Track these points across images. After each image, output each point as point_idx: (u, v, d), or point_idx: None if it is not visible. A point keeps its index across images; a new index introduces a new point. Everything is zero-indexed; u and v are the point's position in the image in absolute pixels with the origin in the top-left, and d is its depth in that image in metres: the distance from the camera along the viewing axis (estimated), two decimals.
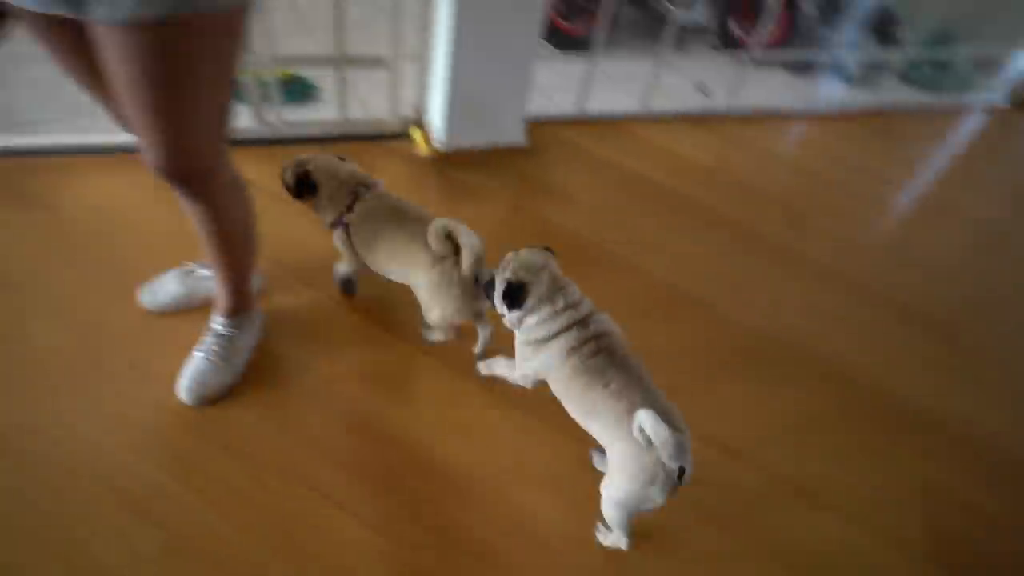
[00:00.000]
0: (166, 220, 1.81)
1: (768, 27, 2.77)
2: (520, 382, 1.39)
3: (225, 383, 1.44)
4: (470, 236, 1.36)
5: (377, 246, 1.49)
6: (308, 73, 2.50)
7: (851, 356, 1.85)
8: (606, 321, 1.30)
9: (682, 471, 1.12)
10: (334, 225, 1.54)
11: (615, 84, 2.70)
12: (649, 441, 1.10)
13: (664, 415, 1.12)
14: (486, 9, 1.87)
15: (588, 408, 1.25)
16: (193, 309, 1.57)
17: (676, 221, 2.23)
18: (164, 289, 1.58)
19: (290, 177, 1.53)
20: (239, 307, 1.45)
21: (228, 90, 1.06)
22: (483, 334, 1.59)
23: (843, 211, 2.51)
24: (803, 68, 3.44)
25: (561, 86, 2.59)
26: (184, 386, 1.40)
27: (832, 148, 2.90)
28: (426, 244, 1.40)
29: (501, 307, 1.30)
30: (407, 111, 2.28)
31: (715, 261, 2.10)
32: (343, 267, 1.64)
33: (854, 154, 2.89)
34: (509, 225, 2.07)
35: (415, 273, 1.45)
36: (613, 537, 1.31)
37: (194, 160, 1.09)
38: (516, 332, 1.34)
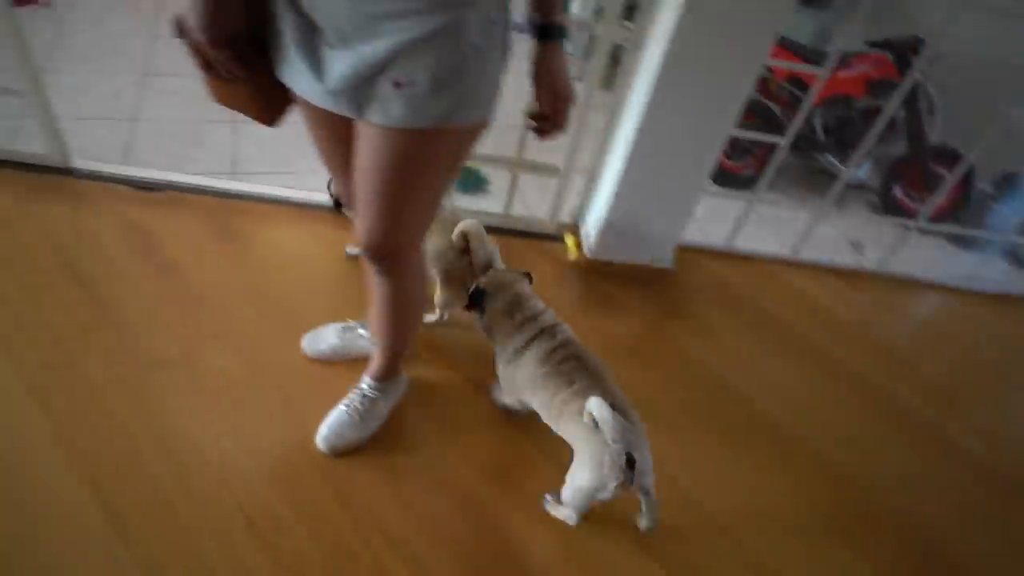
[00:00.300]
0: (339, 277, 2.02)
1: (937, 199, 2.71)
2: (510, 404, 1.63)
3: (358, 439, 1.54)
4: (478, 238, 1.64)
5: None
6: (484, 167, 2.73)
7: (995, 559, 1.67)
8: (568, 330, 1.51)
9: (632, 461, 1.24)
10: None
11: (767, 225, 2.72)
12: (596, 424, 1.24)
13: (619, 408, 1.28)
14: (665, 139, 1.99)
15: (557, 411, 1.40)
16: (347, 362, 1.71)
17: (810, 372, 2.16)
18: (324, 339, 1.73)
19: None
20: (389, 374, 1.57)
21: (448, 188, 1.20)
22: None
23: (997, 397, 2.32)
24: (967, 242, 3.30)
25: (714, 218, 2.65)
26: (323, 434, 1.52)
27: (989, 328, 2.72)
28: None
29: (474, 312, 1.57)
30: (565, 217, 2.41)
31: (845, 422, 2.01)
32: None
33: (1014, 337, 2.69)
34: (644, 342, 2.10)
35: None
36: (563, 512, 1.46)
37: (401, 244, 1.22)
38: (496, 360, 1.57)
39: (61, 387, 1.55)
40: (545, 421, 1.45)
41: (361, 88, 0.95)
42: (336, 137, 1.15)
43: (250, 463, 1.48)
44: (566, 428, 1.38)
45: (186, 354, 1.70)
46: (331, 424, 1.53)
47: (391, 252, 1.22)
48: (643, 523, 1.36)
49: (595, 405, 1.24)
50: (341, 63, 0.93)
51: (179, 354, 1.69)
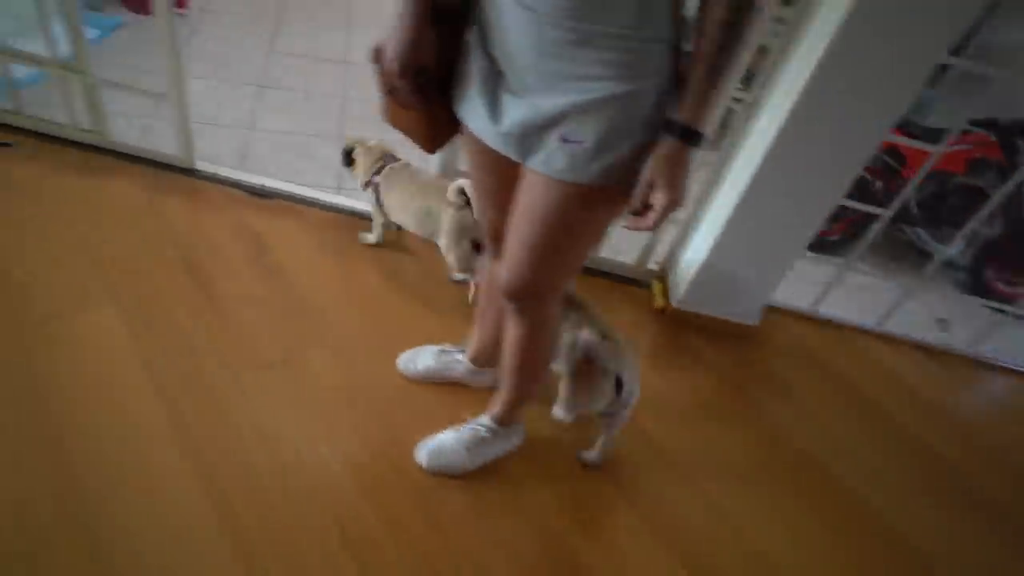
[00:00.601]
0: (437, 300, 2.08)
1: None
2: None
3: (460, 468, 1.57)
4: None
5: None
6: None
7: None
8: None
9: (620, 382, 1.46)
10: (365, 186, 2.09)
11: (853, 294, 2.69)
12: (586, 355, 1.44)
13: (608, 336, 1.46)
14: (772, 202, 2.00)
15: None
16: (443, 385, 1.77)
17: (892, 447, 2.11)
18: (421, 360, 1.79)
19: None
20: (508, 418, 1.58)
21: (598, 244, 1.20)
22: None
23: None
24: None
25: (799, 279, 2.63)
26: (428, 448, 1.56)
27: None
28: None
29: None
30: (654, 264, 2.44)
31: (927, 505, 1.94)
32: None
33: None
34: (723, 398, 2.09)
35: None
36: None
37: (541, 289, 1.24)
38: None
39: (177, 377, 1.64)
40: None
41: (531, 136, 1.00)
42: (497, 176, 1.19)
43: (344, 472, 1.54)
44: (560, 360, 1.54)
45: (289, 359, 1.78)
46: (439, 444, 1.57)
47: (530, 295, 1.24)
48: (591, 456, 1.67)
49: (583, 336, 1.46)
50: (517, 110, 0.99)
51: (283, 358, 1.77)
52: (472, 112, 1.06)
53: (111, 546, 1.30)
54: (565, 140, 0.97)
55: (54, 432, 1.46)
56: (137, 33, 3.01)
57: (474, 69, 1.01)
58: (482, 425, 1.58)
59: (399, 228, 2.16)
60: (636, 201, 0.99)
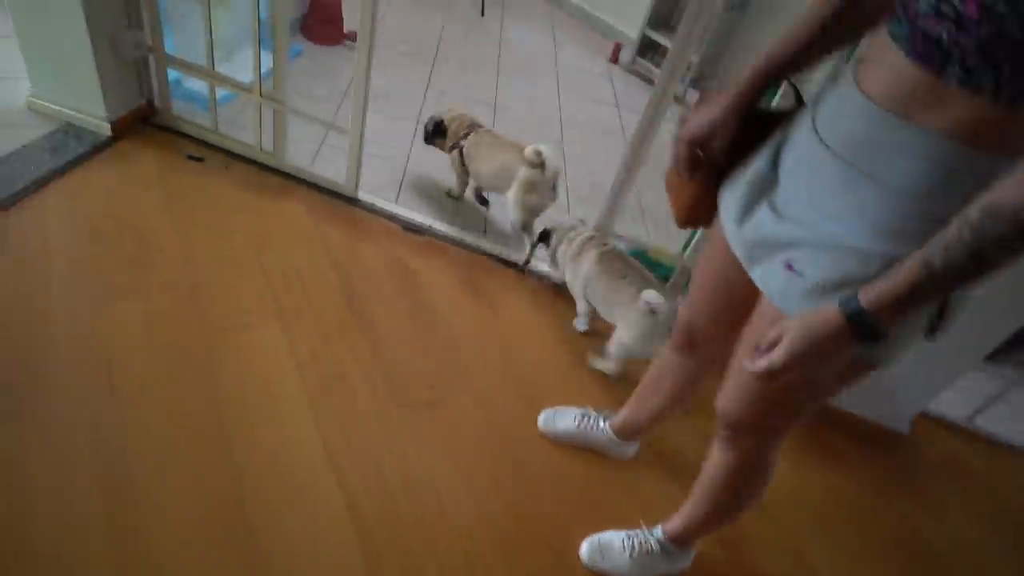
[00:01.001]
0: (582, 360, 2.07)
1: None
2: (582, 311, 2.13)
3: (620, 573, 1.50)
4: (554, 159, 2.23)
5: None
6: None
7: None
8: (610, 239, 2.10)
9: (669, 329, 1.60)
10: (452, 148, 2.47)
11: (1016, 409, 2.46)
12: (652, 310, 1.78)
13: (659, 291, 1.82)
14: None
15: (613, 299, 1.93)
16: (582, 450, 1.75)
17: None
18: (562, 421, 1.77)
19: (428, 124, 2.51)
20: (683, 542, 1.49)
21: (823, 399, 1.07)
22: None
23: None
24: None
25: (957, 389, 2.44)
26: (589, 547, 1.53)
27: None
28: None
29: (542, 249, 2.21)
30: None
31: None
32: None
33: None
34: (866, 504, 1.96)
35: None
36: (605, 364, 1.98)
37: (758, 429, 1.15)
38: (566, 275, 2.13)
39: (332, 404, 1.70)
40: (596, 308, 2.03)
41: (763, 248, 0.96)
42: (722, 275, 1.15)
43: (479, 524, 1.53)
44: (621, 312, 1.89)
45: (434, 400, 1.80)
46: (604, 543, 1.52)
47: (745, 429, 1.17)
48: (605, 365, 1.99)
49: (652, 296, 1.78)
50: (767, 222, 0.95)
51: (428, 399, 1.80)
52: (728, 204, 1.04)
53: (268, 560, 1.35)
54: (789, 266, 0.91)
55: (225, 446, 1.54)
56: (312, 61, 3.22)
57: (752, 169, 1.00)
58: (655, 538, 1.50)
59: (478, 192, 2.65)
60: (761, 337, 0.89)
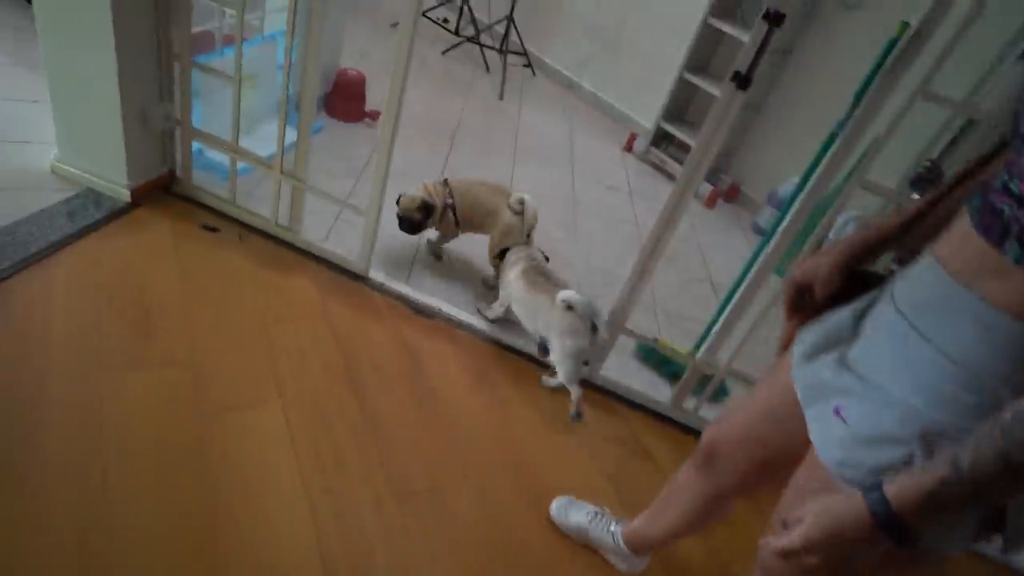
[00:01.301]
0: (591, 458, 2.01)
1: None
2: (499, 309, 2.36)
3: None
4: (530, 207, 2.43)
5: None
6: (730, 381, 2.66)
7: None
8: (538, 253, 2.36)
9: (595, 326, 2.03)
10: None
11: None
12: (568, 306, 2.02)
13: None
14: None
15: (533, 309, 2.18)
16: (588, 551, 1.68)
17: None
18: (575, 515, 1.72)
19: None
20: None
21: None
22: None
23: None
24: None
25: None
26: None
27: None
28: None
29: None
30: None
31: None
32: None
33: None
34: None
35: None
36: (557, 381, 2.15)
37: None
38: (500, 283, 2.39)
39: (327, 491, 1.64)
40: (523, 320, 2.25)
41: (820, 389, 0.94)
42: (771, 405, 1.13)
43: None
44: (543, 321, 2.12)
45: (433, 489, 1.74)
46: None
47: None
48: (571, 413, 2.09)
49: (568, 294, 2.03)
50: (829, 365, 0.94)
51: (427, 488, 1.74)
52: (803, 339, 1.04)
53: None
54: (837, 411, 0.89)
55: (211, 522, 1.48)
56: (332, 137, 3.29)
57: (837, 318, 1.00)
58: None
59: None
60: (780, 513, 0.85)
